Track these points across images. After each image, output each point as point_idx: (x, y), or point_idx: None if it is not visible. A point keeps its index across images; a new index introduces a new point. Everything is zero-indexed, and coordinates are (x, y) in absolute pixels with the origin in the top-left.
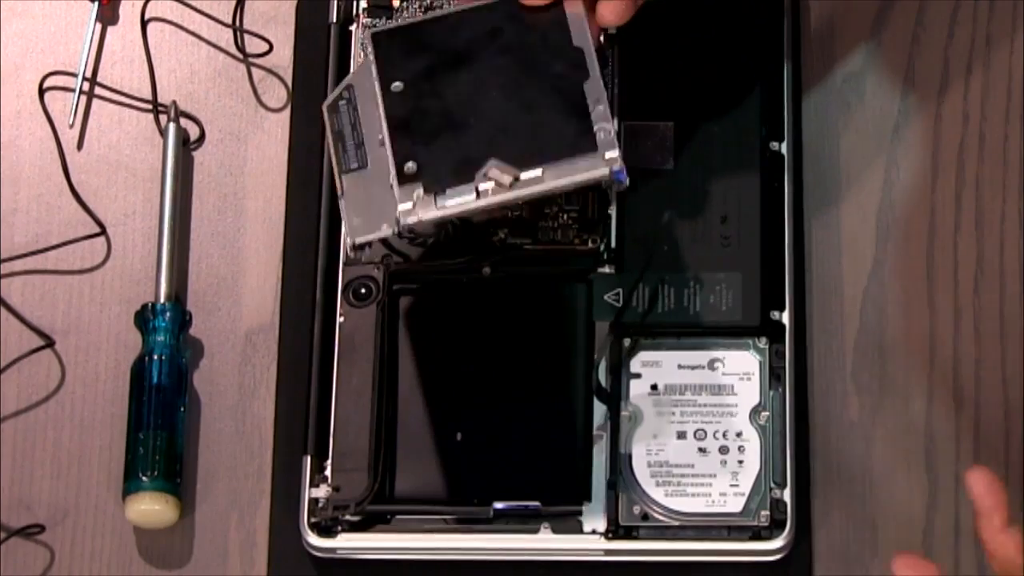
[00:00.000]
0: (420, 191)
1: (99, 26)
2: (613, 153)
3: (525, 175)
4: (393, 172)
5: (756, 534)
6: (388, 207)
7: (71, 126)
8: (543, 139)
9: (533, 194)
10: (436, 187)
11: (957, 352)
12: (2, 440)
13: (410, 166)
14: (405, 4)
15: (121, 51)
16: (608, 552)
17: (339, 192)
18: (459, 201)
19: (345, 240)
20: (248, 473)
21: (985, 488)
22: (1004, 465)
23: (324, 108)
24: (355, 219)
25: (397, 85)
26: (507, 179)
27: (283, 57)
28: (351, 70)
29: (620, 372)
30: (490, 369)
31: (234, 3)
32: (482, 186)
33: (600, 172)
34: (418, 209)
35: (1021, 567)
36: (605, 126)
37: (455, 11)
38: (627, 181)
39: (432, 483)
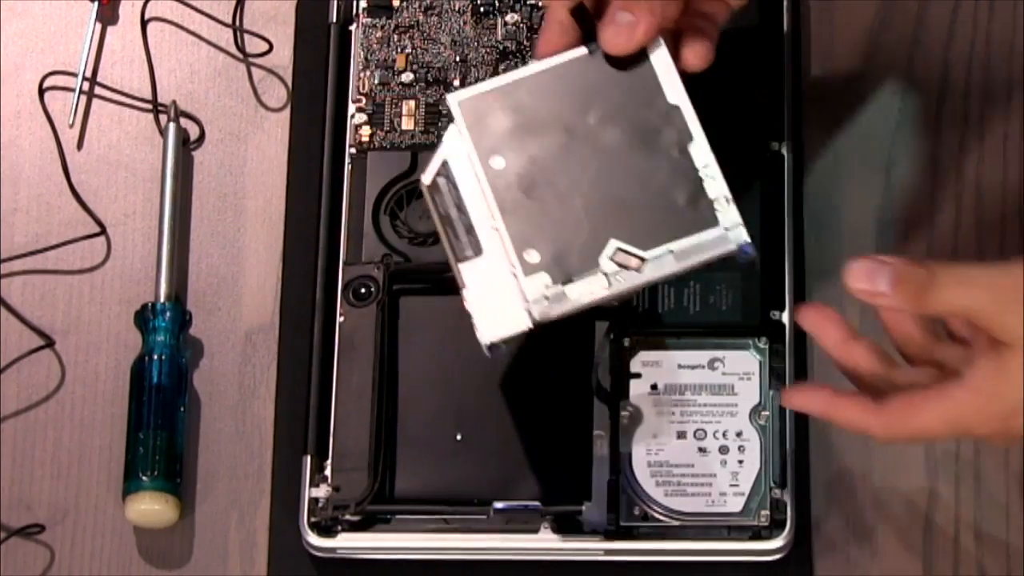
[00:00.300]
0: (548, 280)
1: (99, 26)
2: (738, 226)
3: (651, 256)
4: (517, 264)
5: (756, 534)
6: (514, 296)
7: (71, 126)
8: (659, 213)
9: (663, 277)
10: (562, 275)
11: None
12: (2, 440)
13: (532, 255)
14: (405, 4)
15: (121, 51)
16: (608, 552)
17: (459, 283)
18: (591, 291)
19: (479, 338)
20: (248, 473)
21: (816, 315)
22: (1004, 466)
23: (424, 187)
24: (486, 316)
25: (498, 161)
26: (635, 263)
27: (283, 57)
28: (351, 70)
29: (620, 372)
30: (490, 369)
31: (234, 3)
32: (610, 271)
33: (728, 248)
34: (550, 302)
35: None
36: (723, 194)
37: (536, 71)
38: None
39: (432, 483)
